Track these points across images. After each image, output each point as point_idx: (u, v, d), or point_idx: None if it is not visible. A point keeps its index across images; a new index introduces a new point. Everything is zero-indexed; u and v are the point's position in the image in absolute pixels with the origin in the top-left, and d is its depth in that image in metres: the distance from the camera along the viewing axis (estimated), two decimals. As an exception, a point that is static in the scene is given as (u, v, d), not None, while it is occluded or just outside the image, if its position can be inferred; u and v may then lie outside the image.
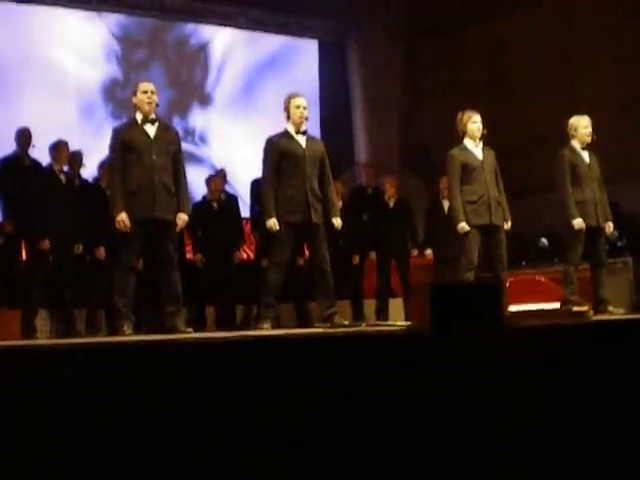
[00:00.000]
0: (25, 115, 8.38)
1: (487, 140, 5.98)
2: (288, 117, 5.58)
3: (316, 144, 5.68)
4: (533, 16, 10.37)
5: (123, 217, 5.08)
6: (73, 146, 7.06)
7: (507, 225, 5.97)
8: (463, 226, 5.80)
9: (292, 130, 5.57)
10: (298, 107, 5.55)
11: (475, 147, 5.94)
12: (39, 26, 9.53)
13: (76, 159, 7.08)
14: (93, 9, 9.91)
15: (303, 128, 5.58)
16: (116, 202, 5.15)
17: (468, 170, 5.86)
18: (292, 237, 5.53)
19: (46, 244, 6.40)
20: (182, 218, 5.29)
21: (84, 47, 9.83)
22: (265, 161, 5.57)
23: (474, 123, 5.92)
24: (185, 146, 6.38)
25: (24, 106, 9.06)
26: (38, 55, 9.43)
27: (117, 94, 9.99)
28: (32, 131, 6.88)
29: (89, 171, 7.47)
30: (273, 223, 5.43)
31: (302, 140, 5.56)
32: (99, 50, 10.03)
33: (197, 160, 10.33)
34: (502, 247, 5.90)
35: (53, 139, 6.81)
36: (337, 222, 5.64)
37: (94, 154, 7.40)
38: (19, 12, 9.38)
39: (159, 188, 5.16)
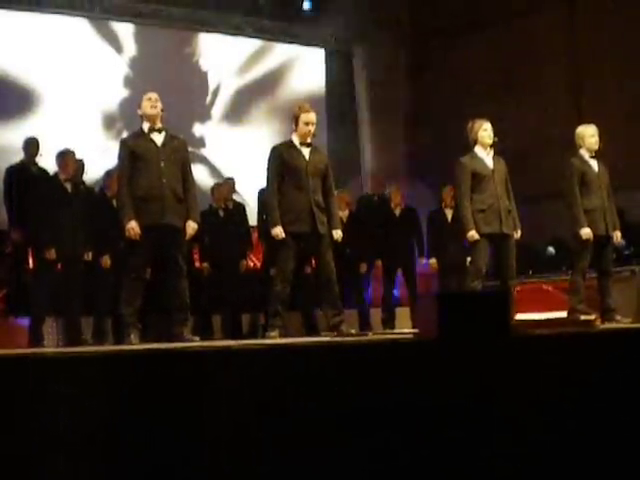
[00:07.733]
0: (46, 128, 8.42)
1: (496, 148, 5.98)
2: (295, 128, 5.58)
3: (319, 156, 5.66)
4: (538, 21, 10.36)
5: (133, 225, 5.10)
6: (92, 159, 7.11)
7: (517, 234, 5.94)
8: (473, 234, 5.76)
9: (297, 141, 5.56)
10: (307, 124, 5.51)
11: (486, 155, 5.92)
12: (57, 37, 9.55)
13: (78, 168, 7.10)
14: (101, 18, 9.94)
15: (308, 141, 5.58)
16: (126, 210, 5.17)
17: (478, 178, 5.83)
18: (297, 246, 5.52)
19: (52, 254, 6.38)
20: (191, 226, 5.31)
21: (96, 58, 9.84)
22: (269, 170, 5.57)
23: (485, 131, 5.90)
24: (192, 154, 6.40)
25: (44, 120, 9.11)
26: (58, 68, 9.44)
27: (131, 107, 10.01)
28: (53, 145, 6.89)
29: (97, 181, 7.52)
30: (279, 231, 5.42)
31: (306, 152, 5.55)
32: (112, 62, 10.05)
33: (205, 168, 10.36)
34: (512, 256, 5.86)
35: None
36: (337, 234, 5.61)
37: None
38: (37, 23, 9.40)
39: (168, 195, 5.19)
